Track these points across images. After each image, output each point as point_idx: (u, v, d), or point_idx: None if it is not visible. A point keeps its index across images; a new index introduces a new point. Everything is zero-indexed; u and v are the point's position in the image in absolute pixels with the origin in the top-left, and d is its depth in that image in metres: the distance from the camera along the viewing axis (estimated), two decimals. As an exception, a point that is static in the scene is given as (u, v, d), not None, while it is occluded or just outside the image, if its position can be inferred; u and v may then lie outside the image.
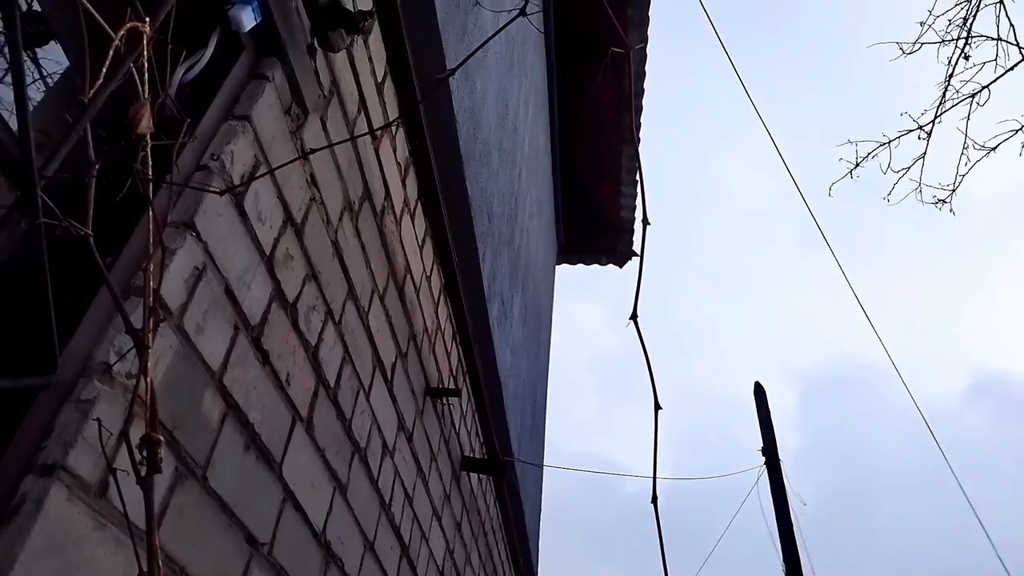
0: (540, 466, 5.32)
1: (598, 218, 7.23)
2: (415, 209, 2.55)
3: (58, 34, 1.36)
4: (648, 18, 5.68)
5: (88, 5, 1.06)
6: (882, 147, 4.81)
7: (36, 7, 1.32)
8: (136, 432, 1.04)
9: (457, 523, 3.37)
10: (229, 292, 1.31)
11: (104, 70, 1.03)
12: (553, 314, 7.17)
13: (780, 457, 9.20)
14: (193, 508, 1.21)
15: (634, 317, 0.94)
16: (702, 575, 9.64)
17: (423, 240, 2.67)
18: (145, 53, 1.09)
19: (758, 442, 9.42)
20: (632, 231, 7.32)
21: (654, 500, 0.84)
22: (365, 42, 1.95)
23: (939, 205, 4.47)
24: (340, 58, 1.78)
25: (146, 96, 1.05)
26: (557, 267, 7.65)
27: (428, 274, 2.77)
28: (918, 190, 4.22)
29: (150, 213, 0.98)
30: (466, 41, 2.68)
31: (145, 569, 0.82)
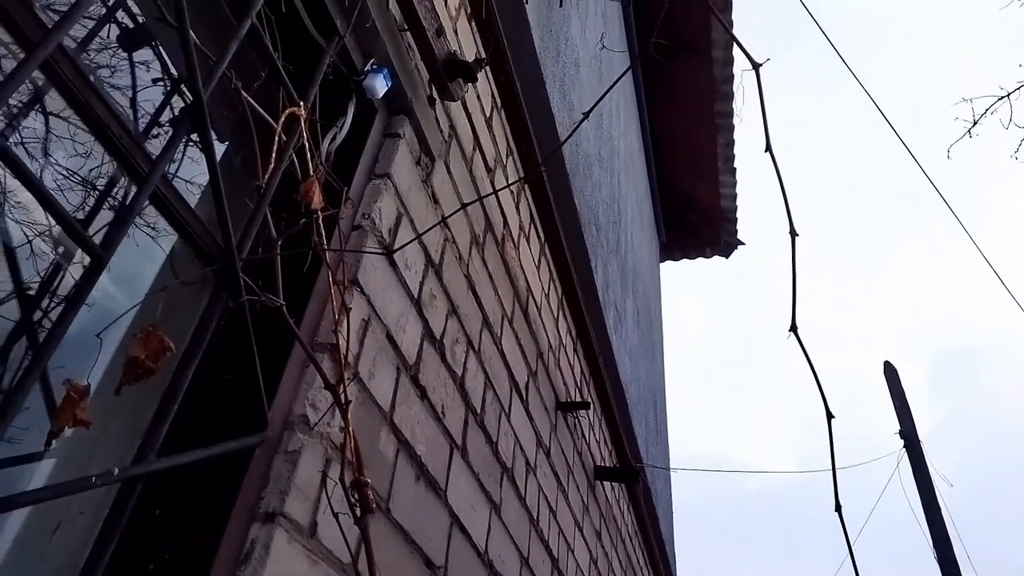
0: (668, 469, 5.28)
1: (698, 211, 7.11)
2: (529, 231, 2.63)
3: (215, 121, 1.51)
4: (731, 2, 5.57)
5: (252, 102, 1.19)
6: (1000, 101, 4.51)
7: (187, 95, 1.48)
8: (335, 475, 1.15)
9: (597, 532, 3.41)
10: (390, 337, 1.42)
11: (273, 155, 1.15)
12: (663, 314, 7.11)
13: (919, 438, 8.70)
14: (383, 539, 1.32)
15: (793, 329, 0.96)
16: (848, 565, 9.24)
17: (539, 260, 2.75)
18: (305, 134, 1.21)
19: (891, 423, 8.93)
20: (735, 220, 7.15)
21: (838, 508, 0.86)
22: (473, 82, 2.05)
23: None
24: (454, 103, 1.88)
25: (312, 173, 1.16)
26: (661, 265, 7.58)
27: (546, 292, 2.84)
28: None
29: (330, 278, 1.09)
30: (560, 62, 2.75)
31: (371, 602, 0.91)
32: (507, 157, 2.38)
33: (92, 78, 1.17)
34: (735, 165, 6.61)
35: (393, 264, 1.46)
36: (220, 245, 1.09)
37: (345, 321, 1.05)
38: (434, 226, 1.52)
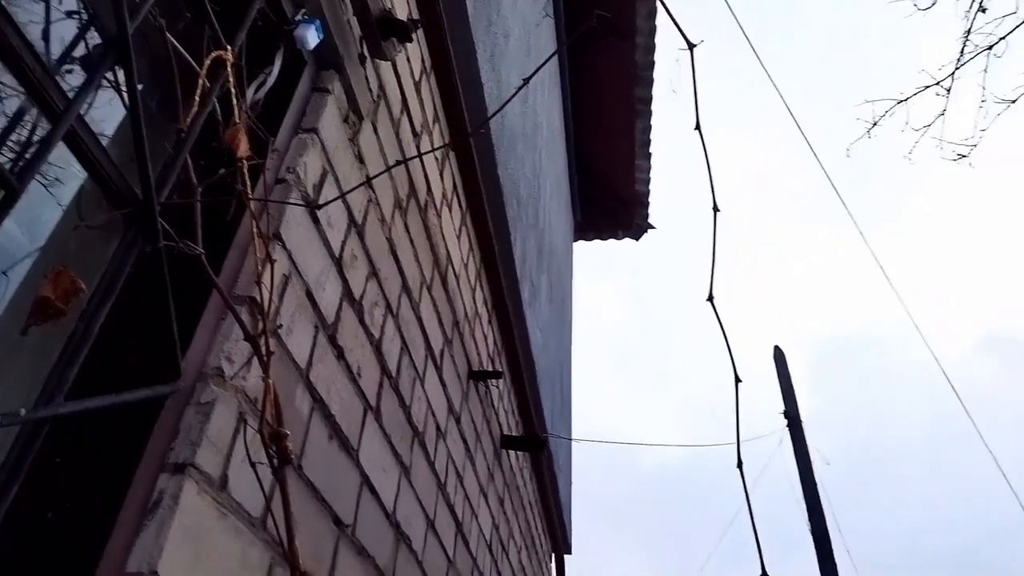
0: (571, 440, 5.44)
1: (613, 193, 7.27)
2: (452, 200, 2.63)
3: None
4: (657, -9, 5.67)
5: (175, 41, 1.14)
6: (899, 104, 4.83)
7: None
8: (248, 430, 1.14)
9: (500, 499, 3.49)
10: (309, 295, 1.40)
11: (196, 99, 1.12)
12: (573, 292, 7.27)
13: (801, 419, 9.30)
14: (294, 495, 1.31)
15: (710, 299, 1.02)
16: (727, 540, 9.85)
17: (460, 229, 2.76)
18: (231, 80, 1.17)
19: (775, 408, 9.51)
20: (647, 204, 7.37)
21: (739, 464, 0.94)
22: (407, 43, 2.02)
23: (959, 160, 4.51)
24: (385, 63, 1.85)
25: (238, 121, 1.13)
26: (575, 244, 7.72)
27: (465, 261, 2.86)
28: (939, 147, 4.26)
29: (254, 228, 1.07)
30: (491, 32, 2.74)
31: (287, 549, 0.92)
32: (434, 123, 2.37)
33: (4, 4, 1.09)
34: (651, 150, 6.80)
35: (316, 221, 1.44)
36: (134, 189, 1.05)
37: (269, 273, 1.04)
38: (359, 185, 1.51)
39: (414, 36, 2.08)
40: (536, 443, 3.49)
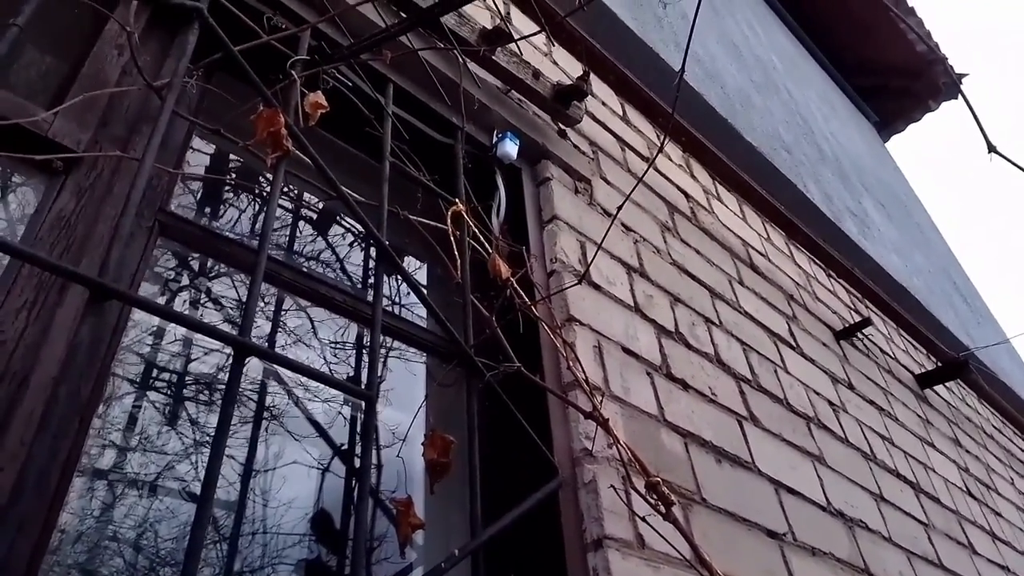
0: (1004, 342, 4.59)
1: (896, 70, 6.33)
2: (718, 191, 2.58)
3: (405, 248, 1.74)
4: None
5: (423, 231, 1.38)
6: None
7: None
8: (631, 487, 1.24)
9: (954, 439, 3.09)
10: (626, 350, 1.50)
11: (455, 251, 1.31)
12: (914, 189, 6.33)
13: None
14: (711, 527, 1.37)
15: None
16: None
17: (741, 211, 2.67)
18: (470, 222, 1.36)
19: None
20: (943, 57, 6.25)
21: None
22: (591, 94, 2.12)
23: None
24: (587, 121, 1.96)
25: (492, 250, 1.31)
26: (888, 144, 6.81)
27: (766, 236, 2.74)
28: None
29: (543, 327, 1.21)
30: (664, 24, 2.72)
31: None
32: (659, 137, 2.40)
33: (304, 263, 1.45)
34: (910, 4, 5.84)
35: (597, 287, 1.56)
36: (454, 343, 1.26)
37: (571, 354, 1.15)
38: (602, 238, 1.59)
39: (596, 80, 2.17)
40: (954, 368, 3.04)
